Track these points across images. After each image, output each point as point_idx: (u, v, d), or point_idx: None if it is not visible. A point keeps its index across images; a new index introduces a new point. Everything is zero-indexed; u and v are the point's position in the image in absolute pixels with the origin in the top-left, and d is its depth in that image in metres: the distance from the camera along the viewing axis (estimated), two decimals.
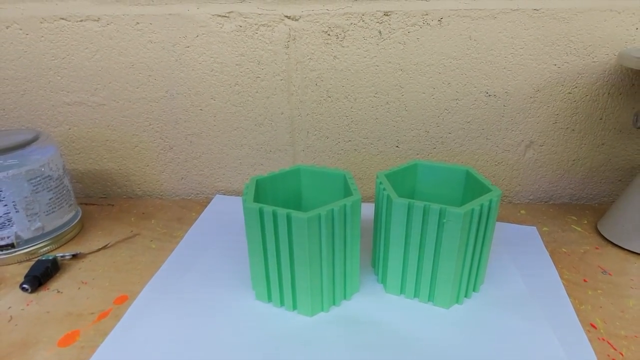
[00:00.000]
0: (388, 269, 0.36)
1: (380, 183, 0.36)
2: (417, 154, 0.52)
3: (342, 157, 0.53)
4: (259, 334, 0.32)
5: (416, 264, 0.34)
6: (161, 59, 0.49)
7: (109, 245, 0.45)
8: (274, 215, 0.31)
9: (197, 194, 0.58)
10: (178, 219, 0.51)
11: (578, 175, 0.52)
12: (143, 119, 0.53)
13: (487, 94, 0.48)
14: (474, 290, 0.36)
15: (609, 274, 0.39)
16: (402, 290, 0.36)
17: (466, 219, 0.31)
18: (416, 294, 0.36)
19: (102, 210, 0.53)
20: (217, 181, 0.57)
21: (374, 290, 0.37)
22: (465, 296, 0.36)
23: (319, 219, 0.31)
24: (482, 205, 0.32)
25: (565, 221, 0.48)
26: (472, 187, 0.38)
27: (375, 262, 0.39)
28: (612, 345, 0.31)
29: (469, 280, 0.35)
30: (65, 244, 0.45)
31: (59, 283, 0.39)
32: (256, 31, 0.47)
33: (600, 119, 0.49)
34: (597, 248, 0.43)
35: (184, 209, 0.54)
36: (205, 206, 0.54)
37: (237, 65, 0.49)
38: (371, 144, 0.52)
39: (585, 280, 0.38)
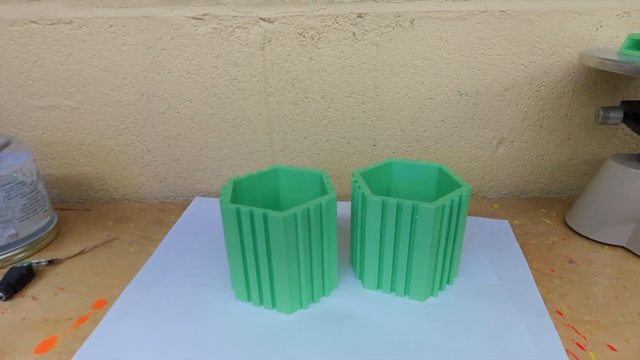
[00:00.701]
0: (365, 265, 0.37)
1: (356, 181, 0.37)
2: (394, 153, 0.54)
3: (321, 156, 0.54)
4: (240, 333, 0.33)
5: (391, 259, 0.35)
6: (136, 62, 0.49)
7: (86, 250, 0.45)
8: (251, 215, 0.32)
9: (176, 196, 0.58)
10: (157, 222, 0.51)
11: (547, 170, 0.54)
12: (119, 122, 0.52)
13: (459, 93, 0.50)
14: (448, 283, 0.38)
15: (575, 263, 0.41)
16: (379, 285, 0.37)
17: (437, 213, 0.32)
18: (392, 289, 0.37)
19: (79, 215, 0.53)
20: (196, 183, 0.57)
21: (352, 286, 0.38)
22: (440, 289, 0.37)
23: (295, 218, 0.31)
24: (452, 201, 0.33)
25: (535, 214, 0.50)
26: (445, 183, 0.39)
27: (353, 258, 0.40)
28: (576, 330, 0.32)
29: (443, 273, 0.36)
30: (40, 250, 0.45)
31: (35, 290, 0.39)
32: (231, 33, 0.47)
33: (566, 115, 0.51)
34: (564, 239, 0.45)
35: (163, 211, 0.54)
36: (185, 208, 0.54)
37: (213, 67, 0.49)
38: (348, 143, 0.53)
39: (552, 270, 0.40)
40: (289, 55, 0.48)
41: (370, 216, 0.34)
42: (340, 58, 0.48)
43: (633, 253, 0.42)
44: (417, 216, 0.32)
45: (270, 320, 0.34)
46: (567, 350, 0.30)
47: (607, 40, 0.47)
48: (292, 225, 0.31)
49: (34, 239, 0.44)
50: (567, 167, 0.54)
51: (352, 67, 0.49)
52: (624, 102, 0.43)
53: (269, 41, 0.48)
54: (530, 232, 0.47)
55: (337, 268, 0.37)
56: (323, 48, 0.48)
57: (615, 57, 0.38)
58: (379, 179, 0.41)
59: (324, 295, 0.37)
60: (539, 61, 0.48)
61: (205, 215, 0.51)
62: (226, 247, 0.35)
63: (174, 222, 0.50)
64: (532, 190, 0.56)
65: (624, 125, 0.51)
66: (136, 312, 0.35)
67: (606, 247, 0.43)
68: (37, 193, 0.44)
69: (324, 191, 0.37)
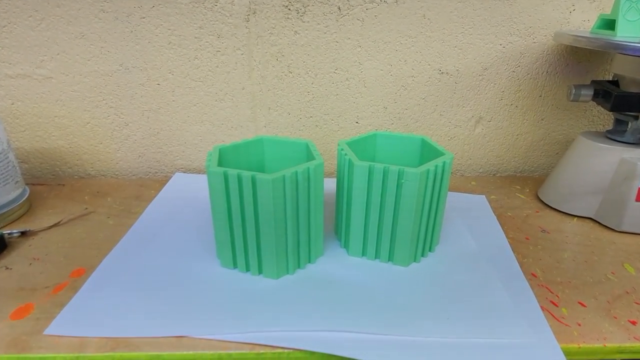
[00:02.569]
0: (350, 232, 0.37)
1: (342, 150, 0.37)
2: (376, 129, 0.54)
3: (304, 133, 0.54)
4: (227, 297, 0.33)
5: (376, 225, 0.36)
6: (114, 30, 0.47)
7: (61, 223, 0.43)
8: (239, 178, 0.32)
9: (156, 172, 0.56)
10: (136, 196, 0.50)
11: (521, 149, 0.57)
12: (95, 93, 0.51)
13: (440, 72, 0.51)
14: (429, 250, 0.39)
15: (548, 232, 0.43)
16: (363, 252, 0.38)
17: (422, 178, 0.33)
18: (377, 255, 0.38)
19: (52, 190, 0.51)
20: (177, 159, 0.55)
21: (337, 254, 0.39)
22: (422, 255, 0.38)
23: (284, 180, 0.32)
24: (436, 166, 0.34)
25: (510, 190, 0.52)
26: (428, 153, 0.40)
27: (338, 228, 0.41)
28: (550, 290, 0.34)
29: (426, 240, 0.37)
30: (12, 222, 0.43)
31: (8, 260, 0.37)
32: (215, 3, 0.47)
33: (540, 96, 0.53)
34: (537, 212, 0.47)
35: (142, 187, 0.52)
36: (165, 185, 0.52)
37: (196, 38, 0.48)
38: (332, 120, 0.54)
39: (527, 239, 0.42)
40: (273, 28, 0.48)
41: (357, 182, 0.35)
42: (325, 33, 0.48)
43: (600, 223, 0.44)
44: (402, 181, 0.33)
45: (257, 285, 0.34)
46: (542, 307, 0.32)
47: (578, 24, 0.49)
48: (280, 188, 0.32)
49: (5, 211, 0.42)
50: (540, 146, 0.56)
51: (337, 42, 0.49)
52: (593, 82, 0.45)
53: (254, 13, 0.47)
54: (506, 205, 0.48)
55: (323, 235, 0.38)
56: (308, 22, 0.48)
57: (587, 35, 0.40)
58: (364, 150, 0.42)
59: (309, 262, 0.37)
60: (516, 42, 0.50)
61: (187, 189, 0.50)
62: (212, 213, 0.35)
63: (154, 197, 0.49)
64: (507, 169, 0.58)
65: (592, 106, 0.54)
66: (118, 279, 0.34)
67: (575, 218, 0.46)
68: (7, 163, 0.42)
69: (310, 160, 0.38)
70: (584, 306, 0.33)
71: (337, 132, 0.54)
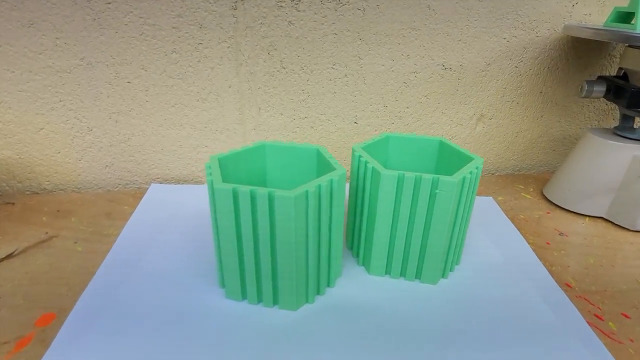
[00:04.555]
0: (373, 248, 0.33)
1: (360, 156, 0.33)
2: (375, 130, 0.50)
3: (298, 135, 0.49)
4: (241, 338, 0.27)
5: (404, 240, 0.32)
6: (72, 18, 0.40)
7: (15, 253, 0.35)
8: (252, 196, 0.26)
9: (127, 184, 0.49)
10: (106, 214, 0.42)
11: (520, 147, 0.55)
12: (50, 93, 0.42)
13: (444, 67, 0.48)
14: (456, 263, 0.35)
15: (565, 235, 0.41)
16: (387, 271, 0.34)
17: (458, 187, 0.30)
18: (402, 273, 0.34)
19: (0, 211, 0.42)
20: (152, 168, 0.48)
21: (355, 273, 0.34)
22: (450, 270, 0.34)
23: (307, 197, 0.27)
24: (471, 173, 0.30)
25: (514, 190, 0.51)
26: (447, 157, 0.36)
27: (354, 242, 0.36)
28: (589, 301, 0.32)
29: (454, 253, 0.34)
30: None
31: None
32: None
33: (541, 92, 0.51)
34: (548, 212, 0.45)
35: (112, 202, 0.45)
36: (140, 198, 0.45)
37: (174, 28, 0.41)
38: (328, 120, 0.49)
39: (548, 243, 0.40)
40: (265, 17, 0.42)
41: (384, 193, 0.30)
42: (322, 24, 0.43)
43: (612, 223, 0.43)
44: (436, 191, 0.29)
45: (273, 319, 0.29)
46: (588, 322, 0.29)
47: (580, 17, 0.48)
48: (302, 206, 0.27)
49: None
50: (538, 143, 0.55)
51: (336, 34, 0.44)
52: (602, 77, 0.44)
53: (243, 0, 0.41)
54: (516, 207, 0.46)
55: (342, 253, 0.33)
56: (304, 11, 0.43)
57: (611, 29, 0.38)
58: (376, 155, 0.37)
59: (328, 286, 0.33)
60: (520, 36, 0.48)
61: (168, 203, 0.43)
62: (216, 236, 0.29)
63: (129, 214, 0.42)
64: (506, 168, 0.56)
65: (589, 102, 0.53)
66: (100, 324, 0.28)
67: (587, 218, 0.45)
68: None
69: (322, 169, 0.33)
70: (628, 317, 0.31)
71: (334, 133, 0.50)
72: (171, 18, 0.41)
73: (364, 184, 0.32)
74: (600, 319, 0.30)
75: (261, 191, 0.26)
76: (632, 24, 0.39)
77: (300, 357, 0.26)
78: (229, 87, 0.45)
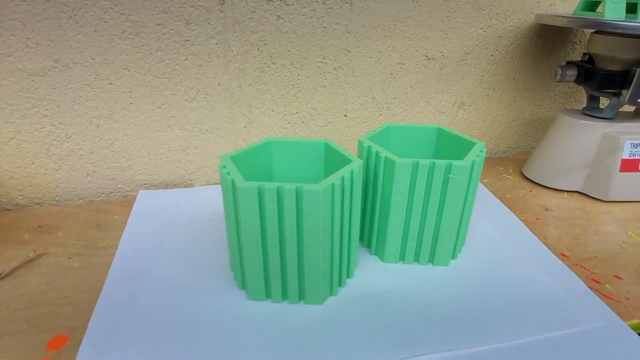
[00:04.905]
0: (387, 237, 0.34)
1: (370, 147, 0.33)
2: (365, 122, 0.51)
3: (289, 131, 0.49)
4: (273, 338, 0.27)
5: (417, 226, 0.33)
6: (45, 15, 0.36)
7: (2, 276, 0.32)
8: (279, 192, 0.26)
9: (111, 192, 0.46)
10: (97, 226, 0.40)
11: (496, 131, 0.58)
12: (22, 99, 0.39)
13: (427, 58, 0.49)
14: (462, 244, 0.37)
15: (551, 210, 0.44)
16: (401, 257, 0.35)
17: (469, 170, 0.31)
18: (416, 258, 0.35)
19: None
20: (138, 173, 0.46)
21: (370, 262, 0.35)
22: (459, 251, 0.36)
23: (333, 189, 0.27)
24: (478, 156, 0.32)
25: (496, 172, 0.54)
26: (446, 142, 0.38)
27: (364, 233, 0.37)
28: (585, 268, 0.35)
29: (462, 233, 0.35)
30: None
31: None
32: None
33: (513, 78, 0.55)
34: (530, 191, 0.49)
35: (100, 213, 0.42)
36: (128, 206, 0.43)
37: (158, 25, 0.39)
38: (319, 114, 0.49)
39: (537, 219, 0.43)
40: (253, 12, 0.41)
41: (398, 181, 0.31)
42: (311, 17, 0.43)
43: (588, 195, 0.47)
44: (449, 175, 0.30)
45: (301, 316, 0.29)
46: (589, 287, 0.32)
47: (546, 7, 0.51)
48: (329, 199, 0.27)
49: None
50: (512, 127, 0.59)
51: (324, 27, 0.44)
52: (571, 62, 0.47)
53: None
54: (501, 188, 0.49)
55: (358, 244, 0.34)
56: (293, 5, 0.42)
57: (582, 16, 0.41)
58: (379, 144, 0.38)
59: (348, 276, 0.33)
60: (495, 26, 0.50)
61: (160, 210, 0.42)
62: (235, 238, 0.28)
63: (121, 224, 0.40)
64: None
65: (555, 87, 0.58)
66: (123, 340, 0.26)
67: (565, 193, 0.48)
68: None
69: (331, 162, 0.33)
70: (621, 278, 0.34)
71: (325, 127, 0.50)
72: (155, 14, 0.39)
73: (375, 174, 0.33)
74: (597, 282, 0.33)
75: (288, 187, 0.26)
76: (599, 12, 0.42)
77: (337, 348, 0.26)
78: (218, 84, 0.44)
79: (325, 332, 0.27)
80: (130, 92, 0.41)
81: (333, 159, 0.33)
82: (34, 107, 0.39)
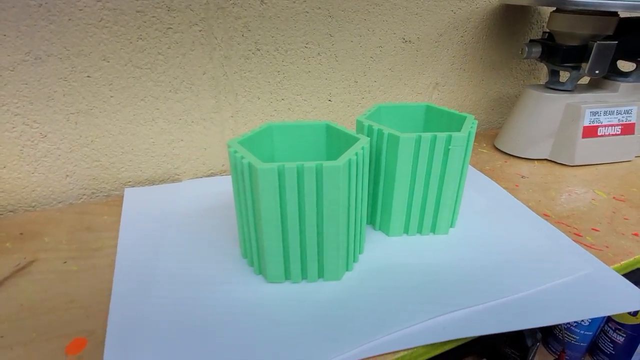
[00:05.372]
0: (392, 212, 0.35)
1: (371, 126, 0.34)
2: (348, 107, 0.52)
3: (276, 118, 0.48)
4: (300, 317, 0.27)
5: (421, 198, 0.35)
6: (13, 4, 0.34)
7: None
8: (299, 172, 0.26)
9: (93, 193, 0.43)
10: (86, 228, 0.38)
11: (467, 109, 0.62)
12: None
13: (404, 40, 0.51)
14: (458, 212, 0.39)
15: (527, 177, 0.48)
16: (405, 230, 0.36)
17: (467, 141, 0.33)
18: (419, 230, 0.36)
19: None
20: (122, 171, 0.44)
21: (376, 237, 0.36)
22: (456, 219, 0.38)
23: (349, 165, 0.27)
24: (472, 127, 0.34)
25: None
26: (435, 118, 0.40)
27: (368, 210, 0.38)
28: (566, 224, 0.38)
29: (459, 203, 0.37)
30: None
31: None
32: None
33: (481, 58, 0.58)
34: (506, 161, 0.52)
35: (85, 214, 0.40)
36: (114, 206, 0.41)
37: (138, 12, 0.38)
38: (305, 100, 0.49)
39: (517, 186, 0.46)
40: None
41: (402, 156, 0.32)
42: (294, 2, 0.43)
43: (555, 162, 0.52)
44: (450, 147, 0.32)
45: (323, 293, 0.29)
46: (573, 240, 0.36)
47: None
48: (345, 175, 0.27)
49: None
50: (481, 104, 0.62)
51: (307, 12, 0.44)
52: (534, 40, 0.51)
53: None
54: (480, 161, 0.52)
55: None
56: None
57: None
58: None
59: (360, 252, 0.34)
60: (464, 7, 0.53)
61: (152, 207, 0.40)
62: (252, 222, 0.28)
63: (113, 224, 0.38)
64: None
65: (516, 64, 0.62)
66: (148, 336, 0.25)
67: (536, 161, 0.52)
68: None
69: (333, 144, 0.34)
70: (598, 230, 0.37)
71: (310, 113, 0.50)
72: (134, 1, 0.37)
73: (378, 152, 0.34)
74: (579, 235, 0.37)
75: (308, 165, 0.26)
76: None
77: (363, 319, 0.27)
78: (203, 74, 0.42)
79: (349, 305, 0.28)
80: (111, 84, 0.39)
81: (335, 140, 0.34)
82: (3, 105, 0.36)
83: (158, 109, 0.42)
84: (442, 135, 0.32)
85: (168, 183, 0.46)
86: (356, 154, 0.28)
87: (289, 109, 0.49)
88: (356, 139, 0.31)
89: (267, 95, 0.47)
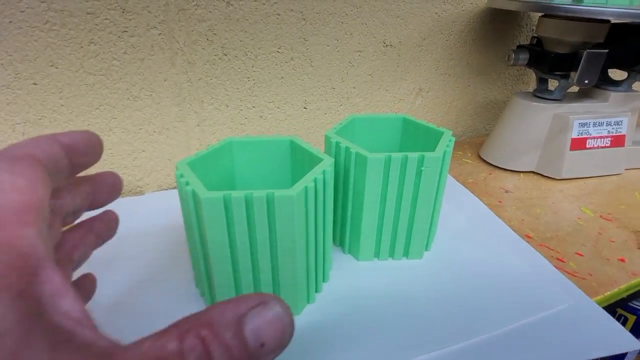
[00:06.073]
0: (361, 235, 0.32)
1: (339, 143, 0.31)
2: (325, 114, 0.49)
3: (247, 127, 0.46)
4: None
5: (392, 221, 0.32)
6: None
7: None
8: (247, 201, 0.23)
9: None
10: None
11: (453, 116, 0.59)
12: None
13: (385, 44, 0.48)
14: (434, 233, 0.37)
15: (511, 192, 0.46)
16: (375, 254, 0.34)
17: (441, 162, 0.30)
18: (390, 254, 0.34)
19: None
20: None
21: (344, 261, 0.34)
22: (431, 241, 0.36)
23: (306, 193, 0.25)
24: (448, 146, 0.31)
25: (456, 157, 0.54)
26: (412, 132, 0.37)
27: (336, 232, 0.35)
28: (549, 247, 0.36)
29: (435, 224, 0.35)
30: None
31: None
32: None
33: (467, 63, 0.55)
34: (490, 173, 0.50)
35: None
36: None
37: (89, 14, 0.34)
38: (278, 108, 0.46)
39: (500, 202, 0.44)
40: None
41: (371, 177, 0.30)
42: (264, 3, 0.40)
43: (542, 175, 0.49)
44: (422, 168, 0.30)
45: None
46: (555, 267, 0.33)
47: None
48: (302, 204, 0.25)
49: None
50: (467, 111, 0.60)
51: (279, 14, 0.41)
52: (522, 46, 0.48)
53: None
54: (463, 173, 0.50)
55: (331, 245, 0.32)
56: None
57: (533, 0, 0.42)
58: (345, 138, 0.36)
59: (324, 280, 0.31)
60: (449, 10, 0.50)
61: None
62: (201, 254, 0.26)
63: None
64: None
65: (504, 69, 0.59)
66: None
67: (521, 174, 0.50)
68: None
69: (298, 161, 0.31)
70: (582, 255, 0.35)
71: (284, 121, 0.47)
72: (84, 2, 0.34)
73: (346, 171, 0.31)
74: (562, 261, 0.34)
75: (258, 195, 0.23)
76: None
77: (318, 358, 0.24)
78: (165, 80, 0.39)
79: (306, 343, 0.26)
80: (61, 92, 0.36)
81: (300, 158, 0.31)
82: None
83: (115, 117, 0.39)
84: (413, 156, 0.29)
85: (130, 196, 0.43)
86: (314, 180, 0.25)
87: (261, 117, 0.46)
88: (319, 160, 0.28)
89: (236, 103, 0.44)
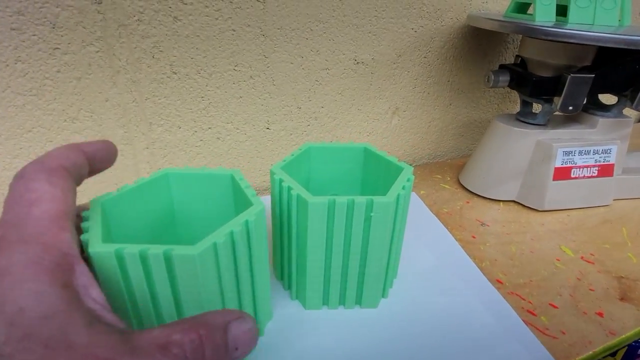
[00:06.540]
0: (306, 282, 0.29)
1: (282, 180, 0.28)
2: (291, 134, 0.46)
3: (203, 149, 0.42)
4: None
5: (340, 269, 0.29)
6: None
7: None
8: (143, 258, 0.20)
9: None
10: None
11: (433, 136, 0.56)
12: None
13: (356, 62, 0.45)
14: (394, 277, 0.33)
15: (487, 225, 0.42)
16: (324, 302, 0.30)
17: (393, 206, 0.27)
18: (341, 302, 0.31)
19: None
20: None
21: (289, 309, 0.30)
22: (390, 287, 0.32)
23: (215, 250, 0.21)
24: (404, 188, 0.28)
25: (434, 181, 0.51)
26: (373, 165, 0.34)
27: (284, 274, 0.32)
28: (520, 297, 0.33)
29: (392, 269, 0.32)
30: None
31: None
32: None
33: (448, 81, 0.52)
34: (467, 202, 0.46)
35: None
36: None
37: (13, 30, 0.31)
38: (237, 128, 0.43)
39: (473, 237, 0.40)
40: (142, 13, 0.34)
41: (314, 222, 0.26)
42: (217, 19, 0.37)
43: (523, 205, 0.46)
44: (371, 214, 0.26)
45: None
46: (525, 321, 0.30)
47: (479, 6, 0.48)
48: (210, 263, 0.21)
49: None
50: (448, 130, 0.56)
51: (234, 30, 0.38)
52: (503, 66, 0.45)
53: None
54: (438, 200, 0.46)
55: (270, 296, 0.29)
56: (192, 4, 0.35)
57: (513, 20, 0.38)
58: (298, 171, 0.33)
59: (260, 335, 0.28)
60: (427, 25, 0.46)
61: None
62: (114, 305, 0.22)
63: None
64: (422, 157, 0.57)
65: (490, 88, 0.56)
66: None
67: (501, 203, 0.46)
68: None
69: (240, 198, 0.28)
70: (556, 307, 0.32)
71: (244, 142, 0.44)
72: (7, 16, 0.31)
73: (289, 213, 0.28)
74: (533, 314, 0.31)
75: (154, 251, 0.20)
76: (530, 14, 0.40)
77: None
78: (106, 100, 0.36)
79: None
80: None
81: (240, 196, 0.28)
82: None
83: (51, 141, 0.36)
84: (361, 201, 0.26)
85: None
86: (230, 234, 0.22)
87: (218, 138, 0.42)
88: (249, 204, 0.25)
89: (189, 124, 0.40)
